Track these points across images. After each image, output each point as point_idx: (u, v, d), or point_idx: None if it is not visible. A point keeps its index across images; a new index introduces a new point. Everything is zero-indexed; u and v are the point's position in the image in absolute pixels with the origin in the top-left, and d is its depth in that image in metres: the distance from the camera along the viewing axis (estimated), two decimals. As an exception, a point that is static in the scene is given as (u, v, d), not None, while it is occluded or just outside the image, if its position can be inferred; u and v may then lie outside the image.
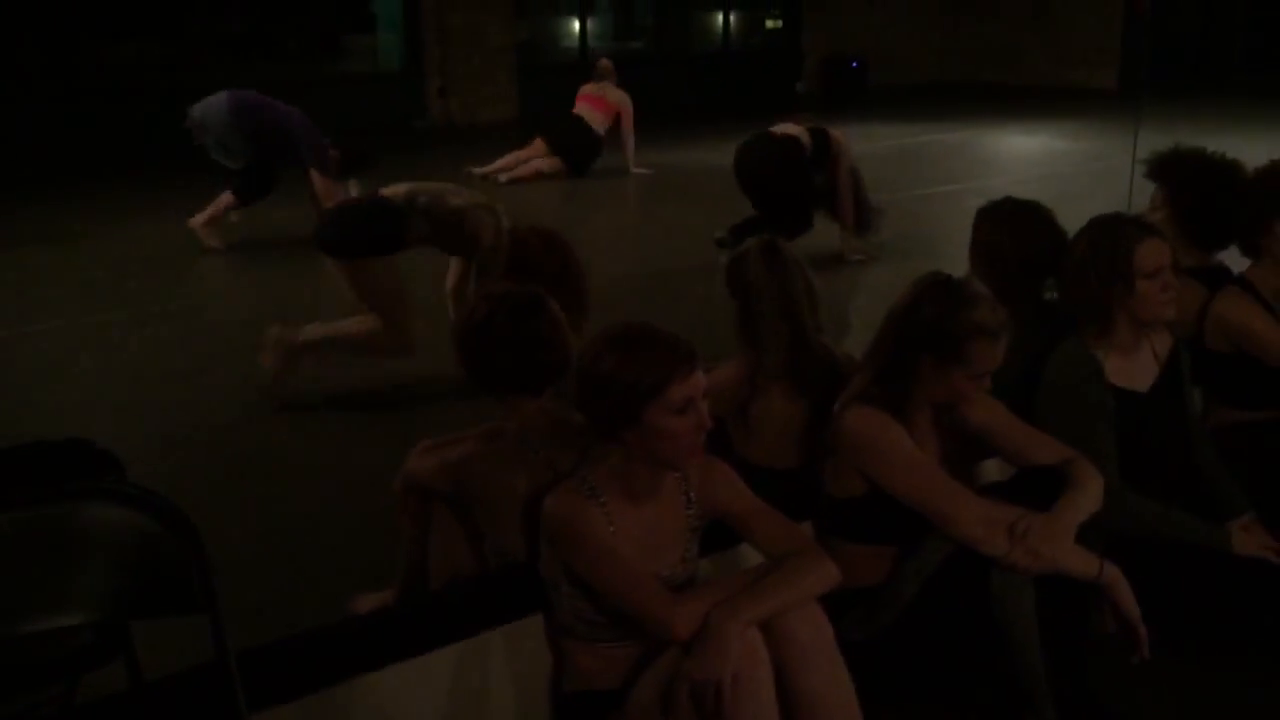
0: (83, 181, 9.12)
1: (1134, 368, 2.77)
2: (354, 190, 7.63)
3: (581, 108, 9.11)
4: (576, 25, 14.60)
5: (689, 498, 2.24)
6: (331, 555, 3.34)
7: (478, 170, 9.14)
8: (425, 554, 2.53)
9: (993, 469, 2.78)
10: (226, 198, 6.61)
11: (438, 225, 4.56)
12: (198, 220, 6.36)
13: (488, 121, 12.53)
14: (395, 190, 4.67)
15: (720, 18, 15.35)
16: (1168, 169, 3.29)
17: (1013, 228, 2.98)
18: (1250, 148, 6.38)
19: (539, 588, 2.24)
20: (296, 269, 6.66)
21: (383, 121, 12.00)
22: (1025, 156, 10.10)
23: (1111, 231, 2.72)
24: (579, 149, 9.13)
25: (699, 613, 2.02)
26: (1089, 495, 2.36)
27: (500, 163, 9.20)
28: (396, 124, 12.08)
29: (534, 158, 9.17)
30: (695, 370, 2.09)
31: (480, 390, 2.46)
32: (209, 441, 4.22)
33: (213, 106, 6.73)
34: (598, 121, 9.05)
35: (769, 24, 16.58)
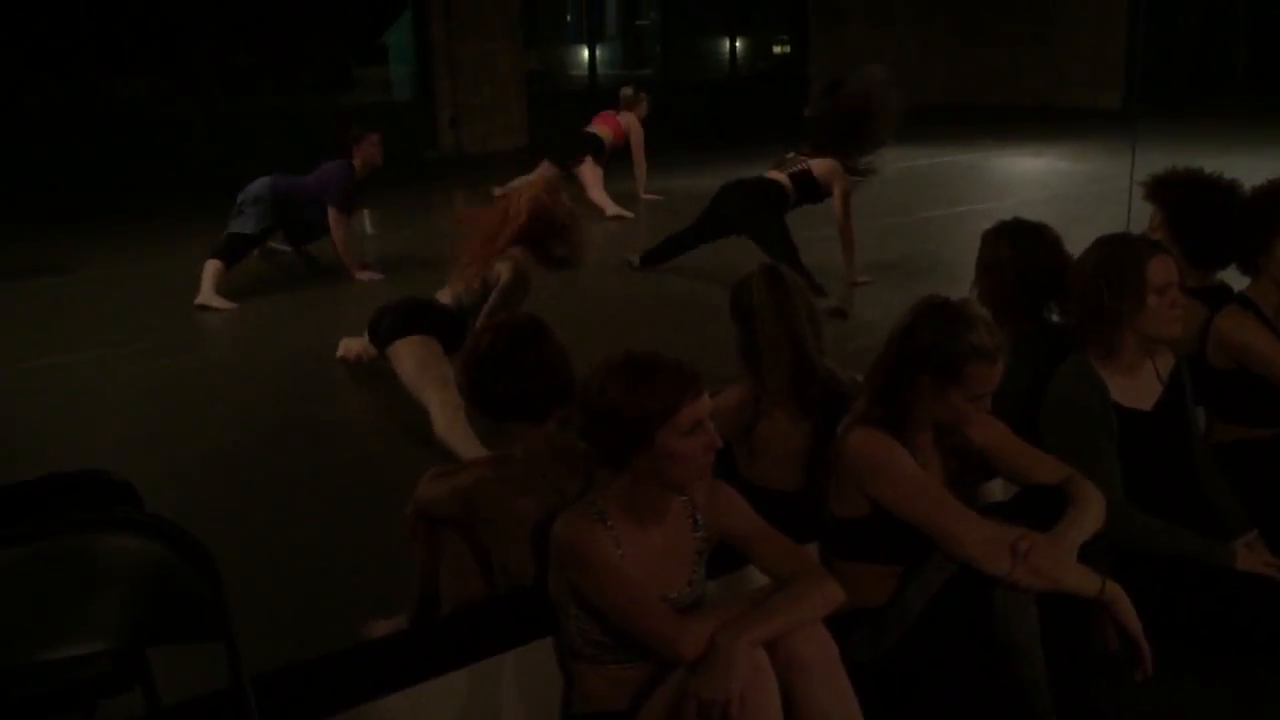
0: (94, 214, 9.24)
1: (1138, 387, 2.80)
2: (368, 225, 7.67)
3: (596, 127, 9.16)
4: (586, 53, 14.72)
5: (696, 521, 2.28)
6: (345, 581, 3.37)
7: (498, 191, 9.30)
8: (436, 579, 2.57)
9: (996, 489, 2.81)
10: (214, 265, 6.49)
11: None
12: (204, 299, 6.38)
13: (499, 150, 12.63)
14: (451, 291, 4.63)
15: (728, 44, 15.47)
16: (1165, 190, 3.32)
17: (1015, 247, 3.02)
18: (1252, 165, 6.42)
19: (548, 611, 2.27)
20: (304, 300, 6.74)
21: (395, 152, 12.09)
22: (1031, 178, 10.13)
23: (1121, 248, 2.76)
24: (575, 144, 9.09)
25: (705, 634, 2.05)
26: (1091, 514, 2.38)
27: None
28: (408, 154, 12.19)
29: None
30: (702, 393, 2.14)
31: (485, 417, 2.50)
32: (222, 470, 4.27)
33: (254, 188, 6.81)
34: (604, 134, 9.05)
35: (776, 50, 16.69)
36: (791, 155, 6.51)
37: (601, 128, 9.09)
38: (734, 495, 2.31)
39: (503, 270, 4.47)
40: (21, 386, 5.25)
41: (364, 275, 6.99)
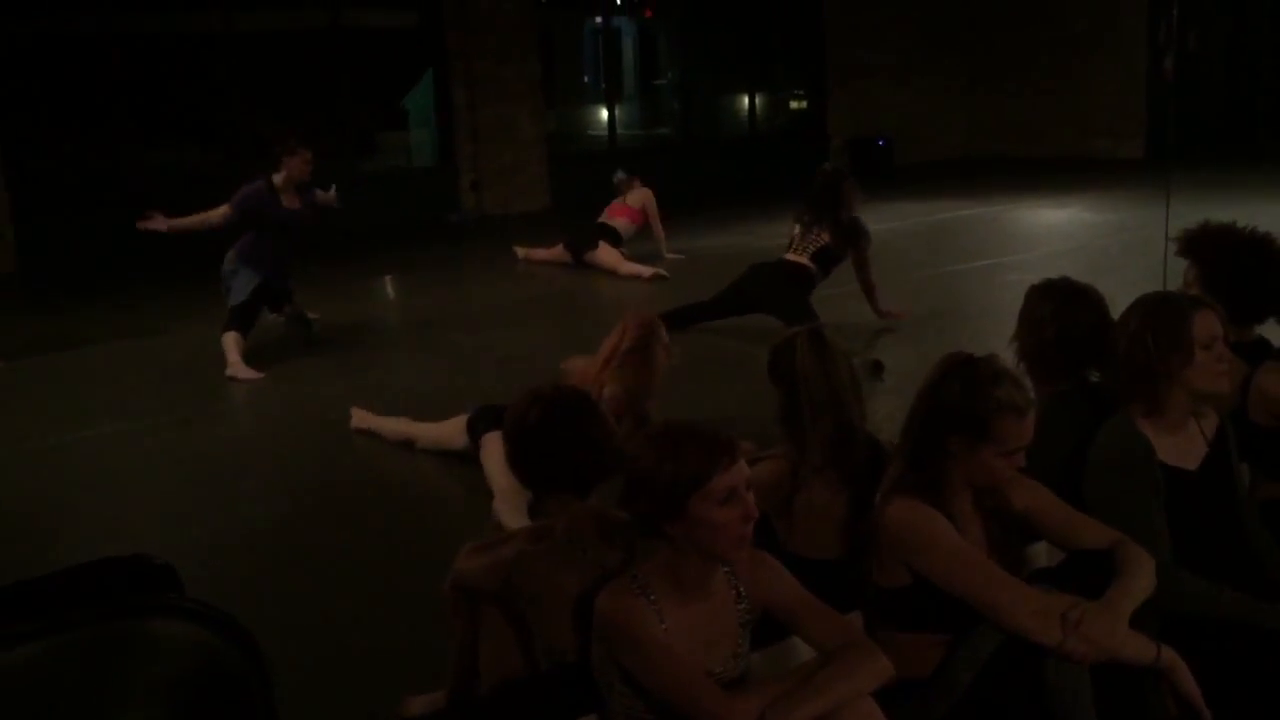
0: (124, 286, 9.34)
1: (1183, 445, 2.76)
2: (389, 290, 7.68)
3: (610, 219, 9.33)
4: (605, 113, 14.89)
5: (738, 593, 2.25)
6: (381, 656, 3.34)
7: (521, 252, 9.55)
8: (475, 655, 2.54)
9: (1041, 554, 2.76)
10: (232, 336, 6.54)
11: None
12: (232, 370, 6.43)
13: (520, 212, 12.74)
14: None
15: (746, 101, 15.61)
16: (1198, 246, 3.31)
17: (1057, 306, 3.00)
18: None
19: (591, 688, 2.24)
20: (334, 363, 6.77)
21: (417, 216, 12.27)
22: (1056, 229, 10.13)
23: (1165, 304, 2.75)
24: (591, 234, 9.27)
25: (753, 710, 2.01)
26: (1142, 580, 2.34)
27: (538, 253, 9.53)
28: (430, 218, 12.32)
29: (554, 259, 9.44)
30: (737, 460, 2.12)
31: (528, 488, 2.49)
32: (254, 545, 4.26)
33: (225, 264, 6.84)
34: (623, 227, 9.26)
35: (794, 106, 16.83)
36: (799, 231, 6.80)
37: (617, 219, 9.28)
38: (777, 566, 2.28)
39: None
40: (51, 463, 5.26)
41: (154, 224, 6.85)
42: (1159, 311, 2.72)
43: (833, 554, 2.70)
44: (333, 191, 7.28)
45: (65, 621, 1.70)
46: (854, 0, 15.52)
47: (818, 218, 6.73)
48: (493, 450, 4.29)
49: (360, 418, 5.31)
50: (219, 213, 6.75)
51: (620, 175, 9.53)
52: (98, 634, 1.69)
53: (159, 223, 6.83)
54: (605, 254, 9.01)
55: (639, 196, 9.32)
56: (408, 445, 5.06)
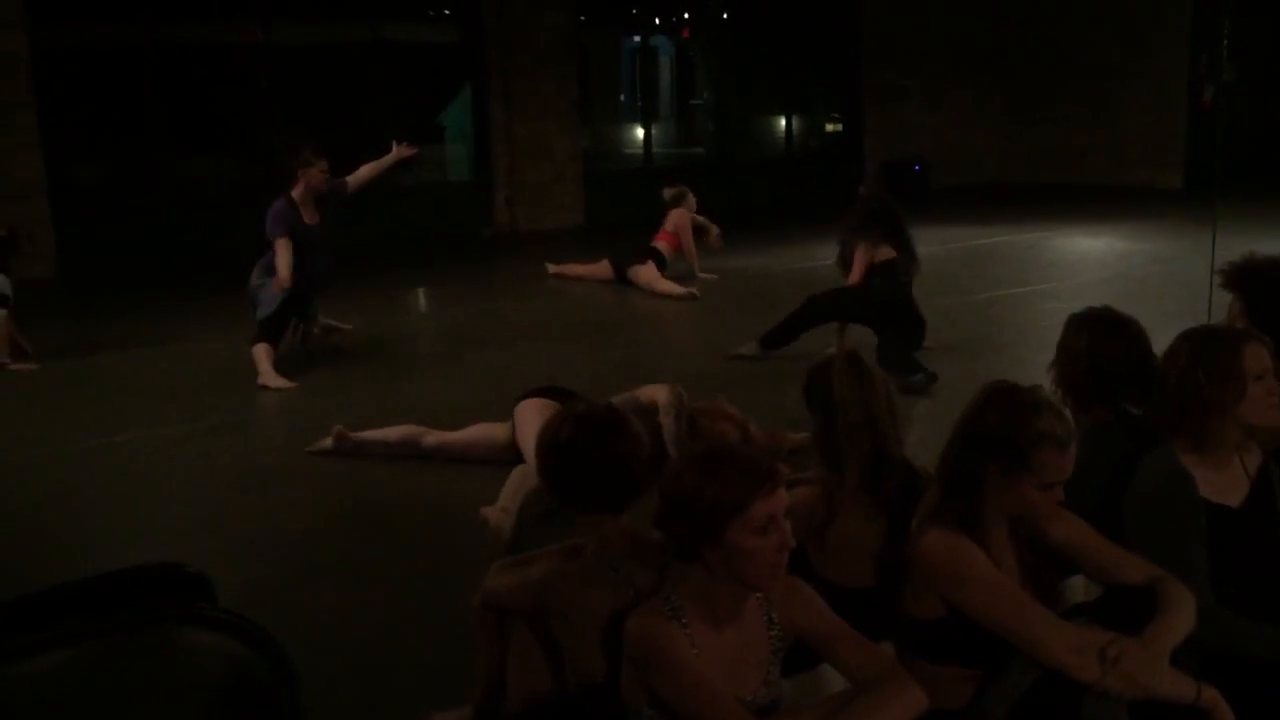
0: (161, 293, 9.43)
1: (1225, 482, 2.72)
2: (421, 302, 7.66)
3: (655, 242, 9.46)
4: (641, 132, 14.93)
5: (771, 619, 2.22)
6: (410, 669, 3.34)
7: (553, 268, 9.64)
8: (503, 673, 2.52)
9: (1078, 587, 2.72)
10: (262, 348, 6.53)
11: None
12: (264, 379, 6.42)
13: (554, 229, 12.79)
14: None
15: (782, 122, 15.61)
16: (1243, 278, 3.26)
17: (1094, 337, 2.96)
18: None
19: (620, 709, 2.22)
20: (364, 375, 6.80)
21: (451, 230, 12.33)
22: (1093, 257, 10.05)
23: (1215, 337, 2.71)
24: (638, 252, 9.37)
25: None
26: (1182, 617, 2.30)
27: (573, 269, 9.61)
28: (465, 232, 12.38)
29: (595, 274, 9.51)
30: (778, 488, 2.09)
31: (560, 505, 2.48)
32: (286, 552, 4.27)
33: (251, 278, 6.85)
34: (664, 249, 9.35)
35: (829, 128, 16.82)
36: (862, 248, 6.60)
37: (659, 243, 9.40)
38: (810, 593, 2.26)
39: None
40: (85, 466, 5.30)
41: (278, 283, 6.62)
42: (1209, 345, 2.68)
43: (867, 582, 2.66)
44: (403, 146, 7.20)
45: (98, 628, 1.71)
46: (890, 24, 15.51)
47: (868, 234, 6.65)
48: (528, 414, 4.59)
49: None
50: (284, 245, 6.56)
51: (669, 191, 9.62)
52: (130, 641, 1.70)
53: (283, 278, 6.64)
54: (646, 272, 9.13)
55: (673, 219, 9.39)
56: (424, 456, 5.12)
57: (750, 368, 6.56)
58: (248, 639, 1.71)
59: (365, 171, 7.19)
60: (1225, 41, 11.79)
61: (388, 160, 7.21)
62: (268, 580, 3.96)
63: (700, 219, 9.53)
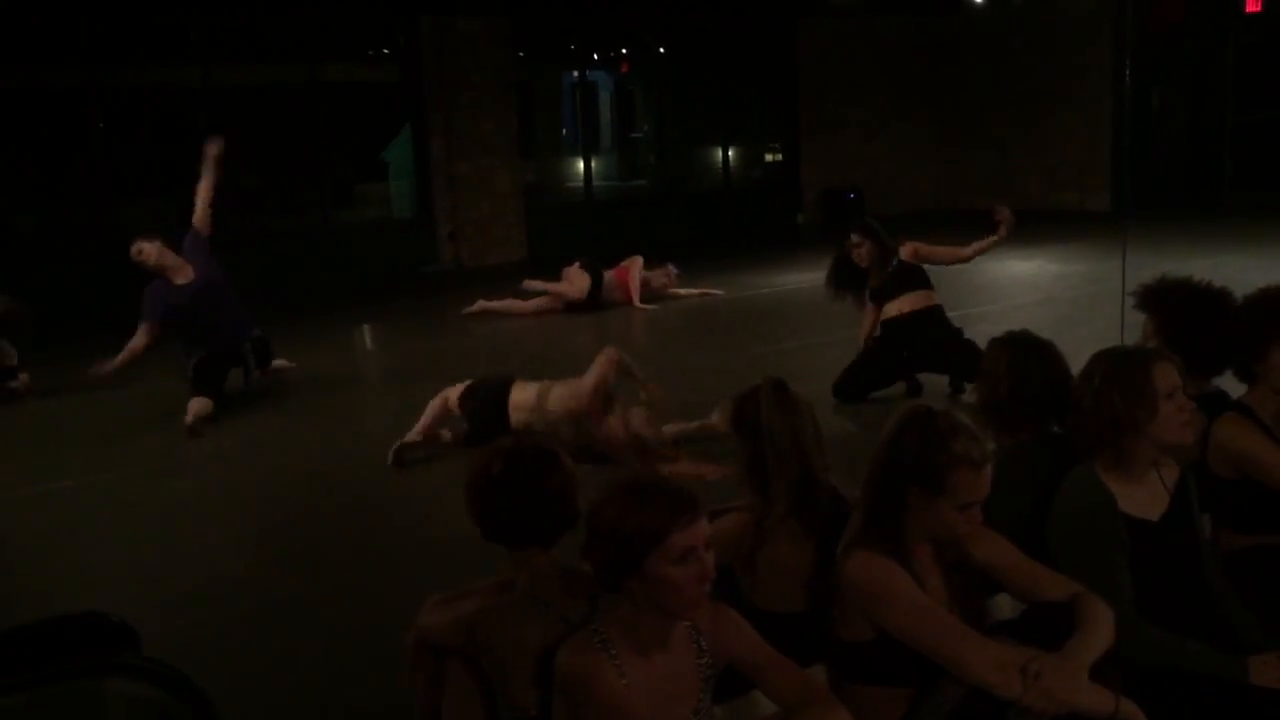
0: (102, 335, 9.26)
1: (1145, 496, 2.78)
2: (367, 339, 7.66)
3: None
4: (582, 165, 15.02)
5: (700, 646, 2.25)
6: (346, 711, 3.32)
7: (472, 308, 9.73)
8: (439, 711, 2.52)
9: (1005, 605, 2.78)
10: (198, 402, 6.43)
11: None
12: (189, 420, 6.32)
13: (497, 264, 12.80)
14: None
15: (720, 153, 15.80)
16: (1155, 299, 3.36)
17: (1013, 360, 3.03)
18: (1243, 265, 6.48)
19: (554, 743, 2.22)
20: (305, 411, 6.75)
21: (395, 266, 12.31)
22: (1023, 280, 10.24)
23: (1125, 358, 2.77)
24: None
25: None
26: (1101, 632, 2.35)
27: (497, 303, 9.77)
28: (408, 269, 12.36)
29: (564, 291, 9.72)
30: (697, 519, 2.11)
31: (490, 540, 2.50)
32: (222, 597, 4.23)
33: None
34: (615, 281, 9.80)
35: (769, 158, 17.03)
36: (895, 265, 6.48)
37: (611, 274, 9.83)
38: (738, 620, 2.29)
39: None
40: (19, 515, 5.22)
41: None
42: (1120, 365, 2.75)
43: (797, 607, 2.70)
44: (210, 143, 6.91)
45: (20, 681, 1.69)
46: (826, 55, 15.77)
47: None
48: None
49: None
50: (141, 332, 6.57)
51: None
52: (51, 694, 1.69)
53: (105, 367, 6.68)
54: (634, 265, 9.84)
55: (635, 264, 9.86)
56: (374, 490, 5.24)
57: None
58: (171, 688, 1.71)
59: (201, 198, 6.83)
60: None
61: (208, 168, 6.86)
62: (201, 627, 3.91)
63: (648, 275, 9.97)
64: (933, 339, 6.25)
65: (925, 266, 6.47)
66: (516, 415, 5.46)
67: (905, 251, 6.45)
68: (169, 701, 1.68)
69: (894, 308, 6.32)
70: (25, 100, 11.06)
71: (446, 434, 5.75)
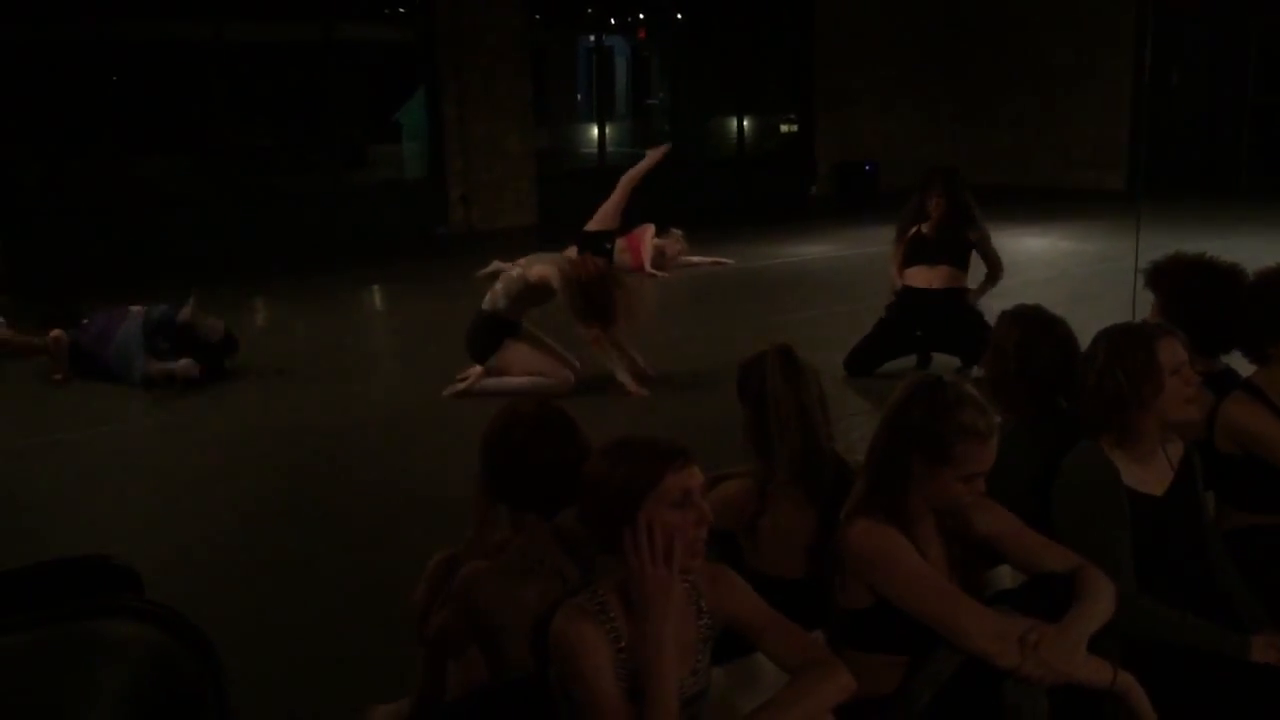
0: (107, 292, 9.29)
1: (1149, 472, 2.78)
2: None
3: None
4: (595, 131, 14.95)
5: (699, 608, 2.25)
6: (348, 663, 3.34)
7: (487, 269, 9.64)
8: (443, 666, 2.53)
9: (1005, 576, 2.78)
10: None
11: (519, 302, 6.02)
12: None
13: (509, 228, 12.77)
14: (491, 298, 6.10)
15: (735, 123, 15.70)
16: (1164, 277, 3.34)
17: (1024, 335, 3.02)
18: (1257, 247, 6.42)
19: (548, 700, 2.23)
20: (314, 374, 6.77)
21: (406, 228, 12.30)
22: (1037, 257, 10.19)
23: (1129, 334, 2.76)
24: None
25: None
26: (1101, 605, 2.35)
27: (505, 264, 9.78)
28: (420, 231, 12.35)
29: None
30: (689, 464, 2.10)
31: (500, 502, 2.50)
32: (224, 550, 4.26)
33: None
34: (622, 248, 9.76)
35: (784, 129, 16.92)
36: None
37: (623, 243, 9.77)
38: (738, 580, 2.29)
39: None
40: (22, 464, 5.24)
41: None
42: (1125, 342, 2.74)
43: (798, 573, 2.70)
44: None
45: (19, 622, 1.69)
46: (843, 27, 15.64)
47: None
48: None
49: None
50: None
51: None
52: (51, 635, 1.69)
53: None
54: (646, 232, 9.94)
55: (646, 232, 9.93)
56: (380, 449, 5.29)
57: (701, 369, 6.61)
58: (171, 630, 1.70)
59: None
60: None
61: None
62: (204, 577, 3.94)
63: (660, 242, 10.00)
64: (953, 320, 6.22)
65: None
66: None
67: (975, 235, 6.36)
68: (171, 644, 1.67)
69: (924, 277, 6.28)
70: (35, 53, 11.01)
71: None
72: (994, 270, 6.40)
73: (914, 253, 6.33)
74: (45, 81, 11.12)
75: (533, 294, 6.03)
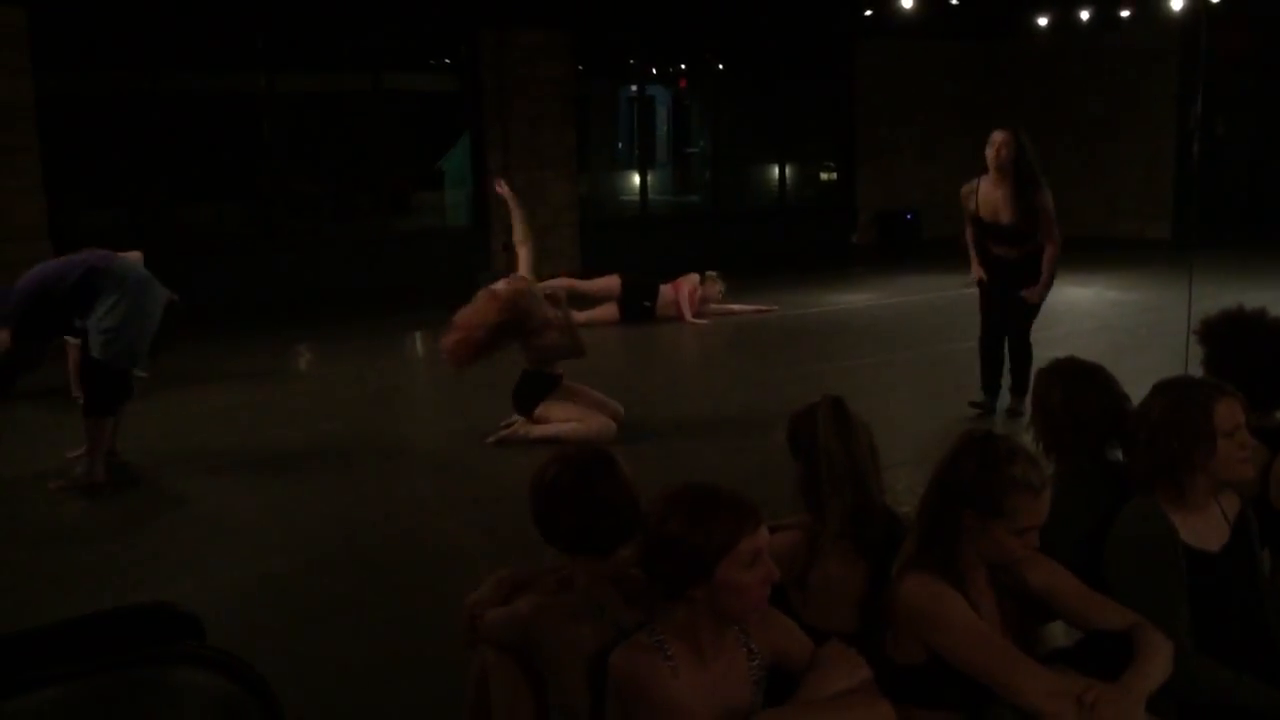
0: (158, 336, 9.43)
1: (1205, 528, 2.75)
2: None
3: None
4: (637, 179, 15.07)
5: (750, 649, 2.27)
6: (397, 707, 3.35)
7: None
8: (487, 707, 2.54)
9: (1058, 632, 2.75)
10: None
11: (531, 353, 6.42)
12: None
13: (551, 275, 12.86)
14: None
15: (776, 171, 15.78)
16: (1216, 332, 3.32)
17: (1066, 390, 3.00)
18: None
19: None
20: (357, 422, 6.83)
21: (450, 275, 12.42)
22: (1081, 308, 10.12)
23: (1186, 393, 2.73)
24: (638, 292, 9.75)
25: None
26: (1159, 664, 2.33)
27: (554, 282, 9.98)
28: (463, 277, 12.46)
29: (603, 291, 10.05)
30: (760, 524, 2.16)
31: (552, 546, 2.52)
32: (277, 595, 4.29)
33: None
34: (669, 297, 10.03)
35: (824, 177, 16.98)
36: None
37: (668, 289, 10.13)
38: (786, 621, 2.33)
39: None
40: (79, 504, 5.31)
41: None
42: (1181, 402, 2.71)
43: (849, 627, 2.68)
44: None
45: (88, 668, 1.73)
46: (882, 76, 15.71)
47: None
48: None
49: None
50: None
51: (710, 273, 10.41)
52: (119, 680, 1.72)
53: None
54: (687, 282, 10.11)
55: (689, 281, 10.12)
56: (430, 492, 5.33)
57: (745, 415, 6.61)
58: (237, 677, 1.74)
59: None
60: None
61: None
62: (253, 623, 3.97)
63: (702, 290, 10.18)
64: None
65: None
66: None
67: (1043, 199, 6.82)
68: (235, 691, 1.71)
69: (1003, 251, 6.80)
70: (92, 104, 11.31)
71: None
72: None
73: (991, 235, 7.02)
74: (104, 132, 11.41)
75: (521, 336, 6.39)
